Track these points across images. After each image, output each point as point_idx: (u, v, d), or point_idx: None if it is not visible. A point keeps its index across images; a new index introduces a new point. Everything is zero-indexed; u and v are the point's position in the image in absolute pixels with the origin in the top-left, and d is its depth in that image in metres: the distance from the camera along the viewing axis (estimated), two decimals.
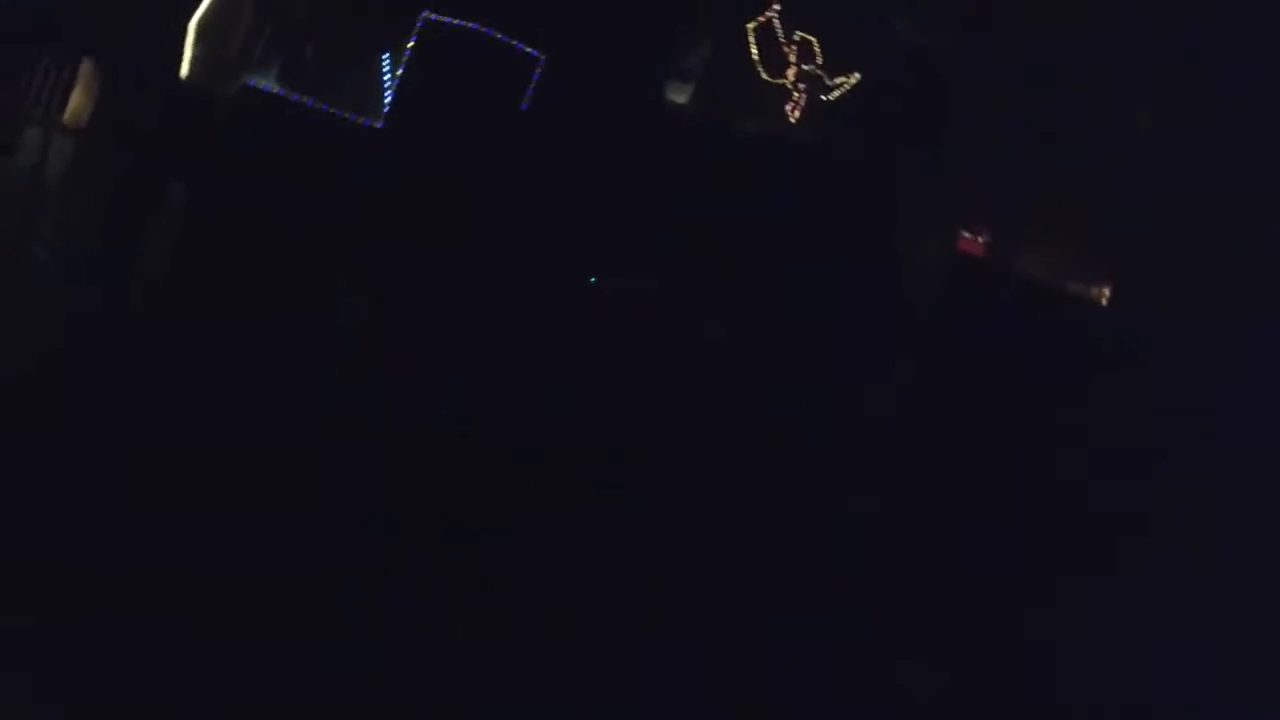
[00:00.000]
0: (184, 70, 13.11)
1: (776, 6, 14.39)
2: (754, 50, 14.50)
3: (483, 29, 13.86)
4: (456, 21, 13.82)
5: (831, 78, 14.52)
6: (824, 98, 14.58)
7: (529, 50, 13.91)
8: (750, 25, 14.48)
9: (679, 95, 14.52)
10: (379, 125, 13.87)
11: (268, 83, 13.68)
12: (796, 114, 14.56)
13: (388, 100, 13.97)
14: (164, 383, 9.14)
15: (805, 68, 14.49)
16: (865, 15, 14.53)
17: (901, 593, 10.12)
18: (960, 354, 13.90)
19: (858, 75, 14.53)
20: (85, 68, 13.48)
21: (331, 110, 13.69)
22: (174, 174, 13.01)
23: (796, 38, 14.48)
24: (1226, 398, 12.57)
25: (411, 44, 13.85)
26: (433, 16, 13.85)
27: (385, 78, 14.15)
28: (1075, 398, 13.00)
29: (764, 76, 14.55)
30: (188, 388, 9.14)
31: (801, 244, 14.53)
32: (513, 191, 13.82)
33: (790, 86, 14.53)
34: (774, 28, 14.50)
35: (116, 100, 12.90)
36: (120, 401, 8.09)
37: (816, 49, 14.48)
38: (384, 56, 14.15)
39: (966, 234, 14.38)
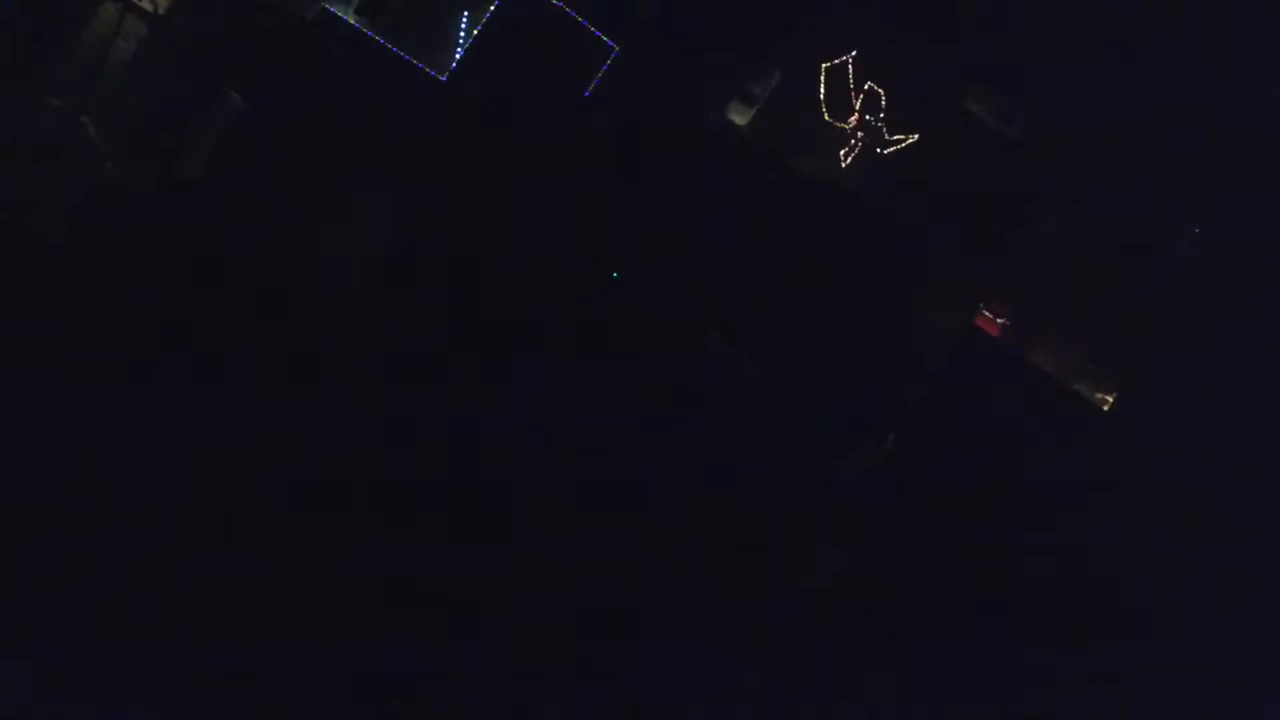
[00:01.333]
0: None
1: (854, 52, 14.54)
2: (822, 90, 14.64)
3: (566, 8, 13.98)
4: None
5: (891, 133, 14.67)
6: (879, 150, 14.73)
7: (605, 39, 14.03)
8: (825, 65, 14.62)
9: (739, 116, 14.63)
10: (443, 79, 13.99)
11: (345, 12, 13.76)
12: (849, 160, 14.70)
13: (457, 57, 14.08)
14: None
15: (868, 117, 14.64)
16: (937, 81, 14.69)
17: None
18: (953, 427, 14.05)
19: (916, 136, 14.68)
20: None
21: (400, 54, 13.79)
22: (234, 82, 13.05)
23: (866, 87, 14.63)
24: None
25: (493, 8, 14.00)
26: None
27: (460, 35, 14.25)
28: (1058, 494, 13.17)
29: (826, 118, 14.69)
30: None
31: (823, 286, 14.64)
32: (554, 176, 13.91)
33: (849, 132, 14.68)
34: (847, 72, 14.64)
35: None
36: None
37: (883, 102, 14.63)
38: (464, 14, 14.26)
39: (986, 312, 14.53)
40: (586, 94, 14.14)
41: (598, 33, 14.03)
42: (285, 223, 11.94)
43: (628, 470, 10.22)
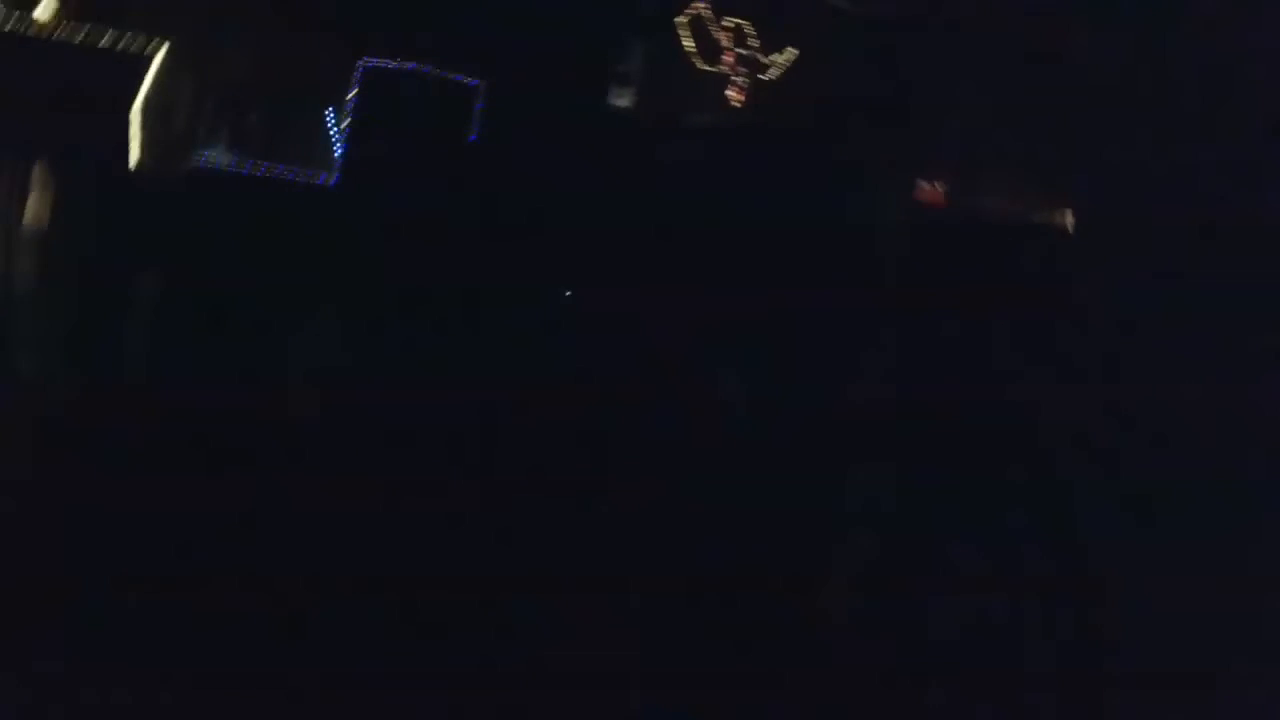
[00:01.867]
0: (134, 159, 13.23)
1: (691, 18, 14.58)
2: (687, 42, 14.68)
3: (420, 67, 14.04)
4: (394, 64, 14.01)
5: (767, 56, 14.72)
6: (762, 77, 14.77)
7: (468, 80, 14.09)
8: (679, 19, 14.66)
9: (621, 100, 14.68)
10: (332, 181, 14.03)
11: (219, 156, 13.81)
12: (739, 97, 14.74)
13: (338, 154, 14.12)
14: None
15: (740, 51, 14.68)
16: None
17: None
18: (933, 298, 14.11)
19: (795, 51, 14.72)
20: (35, 170, 13.59)
21: (286, 173, 13.85)
22: (140, 265, 13.12)
23: (728, 23, 14.66)
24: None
25: (352, 95, 14.05)
26: (371, 63, 14.02)
27: (333, 132, 14.29)
28: (1050, 329, 13.27)
29: (701, 66, 14.72)
30: None
31: (763, 221, 14.66)
32: (474, 222, 13.96)
33: (728, 72, 14.72)
34: (703, 17, 14.69)
35: (72, 200, 12.99)
36: None
37: (749, 31, 14.67)
38: (328, 111, 14.30)
39: (925, 184, 14.57)
40: (473, 139, 14.22)
41: (457, 77, 14.11)
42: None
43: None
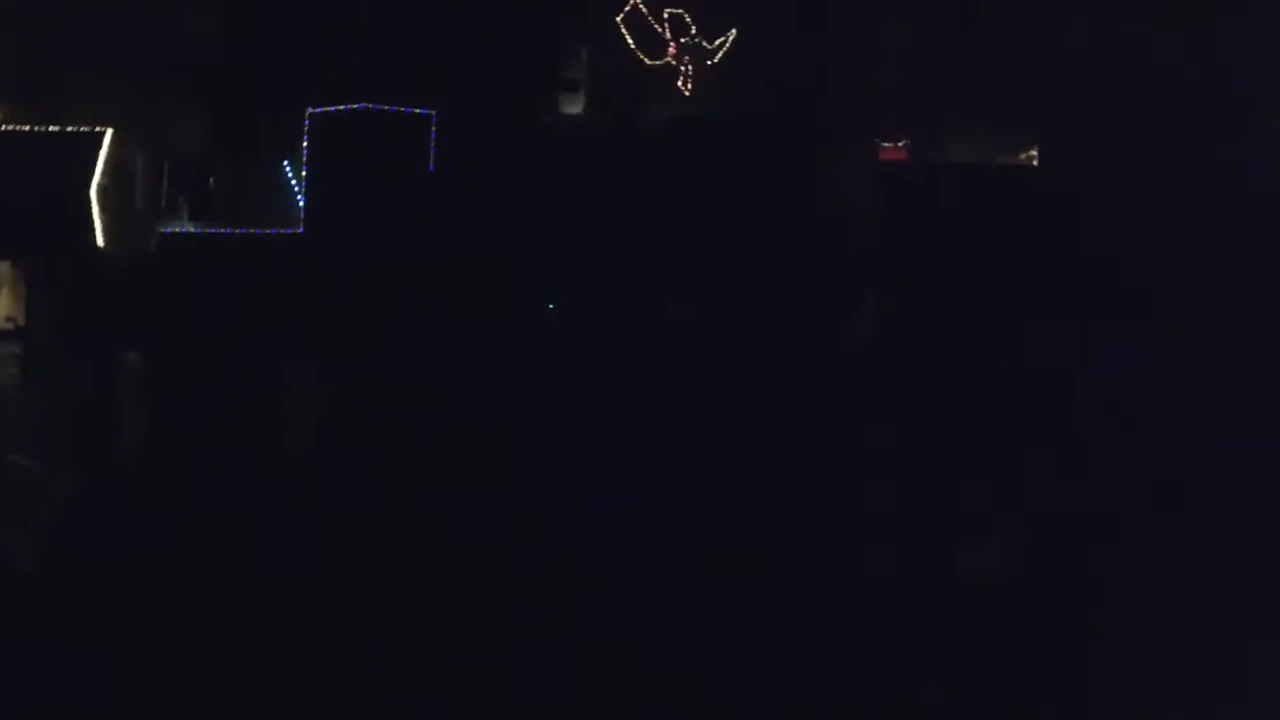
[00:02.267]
0: (99, 240, 13.25)
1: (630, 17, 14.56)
2: (629, 40, 14.67)
3: (369, 106, 14.03)
4: (342, 107, 14.01)
5: (710, 41, 14.70)
6: (709, 62, 14.75)
7: (420, 111, 14.09)
8: (619, 18, 14.65)
9: (572, 106, 14.67)
10: (301, 230, 14.03)
11: (182, 224, 13.83)
12: (688, 86, 14.73)
13: (302, 204, 14.12)
14: None
15: (683, 40, 14.67)
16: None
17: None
18: (916, 249, 14.10)
19: (734, 31, 14.69)
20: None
21: (250, 231, 13.86)
22: (124, 344, 13.15)
23: (666, 16, 14.65)
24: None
25: (306, 143, 14.05)
26: (318, 110, 14.03)
27: (293, 183, 14.30)
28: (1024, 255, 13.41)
29: (647, 63, 14.72)
30: None
31: (738, 198, 14.61)
32: (451, 251, 13.98)
33: (675, 62, 14.71)
34: (641, 12, 14.67)
35: (49, 290, 13.03)
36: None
37: (688, 19, 14.65)
38: (284, 165, 14.31)
39: (886, 144, 14.56)
40: (431, 169, 14.21)
41: (408, 110, 14.10)
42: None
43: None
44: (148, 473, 11.00)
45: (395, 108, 14.05)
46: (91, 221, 13.17)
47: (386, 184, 14.05)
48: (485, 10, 14.49)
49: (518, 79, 14.53)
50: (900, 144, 14.56)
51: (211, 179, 13.60)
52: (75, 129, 13.11)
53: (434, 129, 14.23)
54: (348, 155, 14.05)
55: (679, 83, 14.94)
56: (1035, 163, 14.39)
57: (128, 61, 13.35)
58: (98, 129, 13.15)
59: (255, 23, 13.98)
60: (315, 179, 13.96)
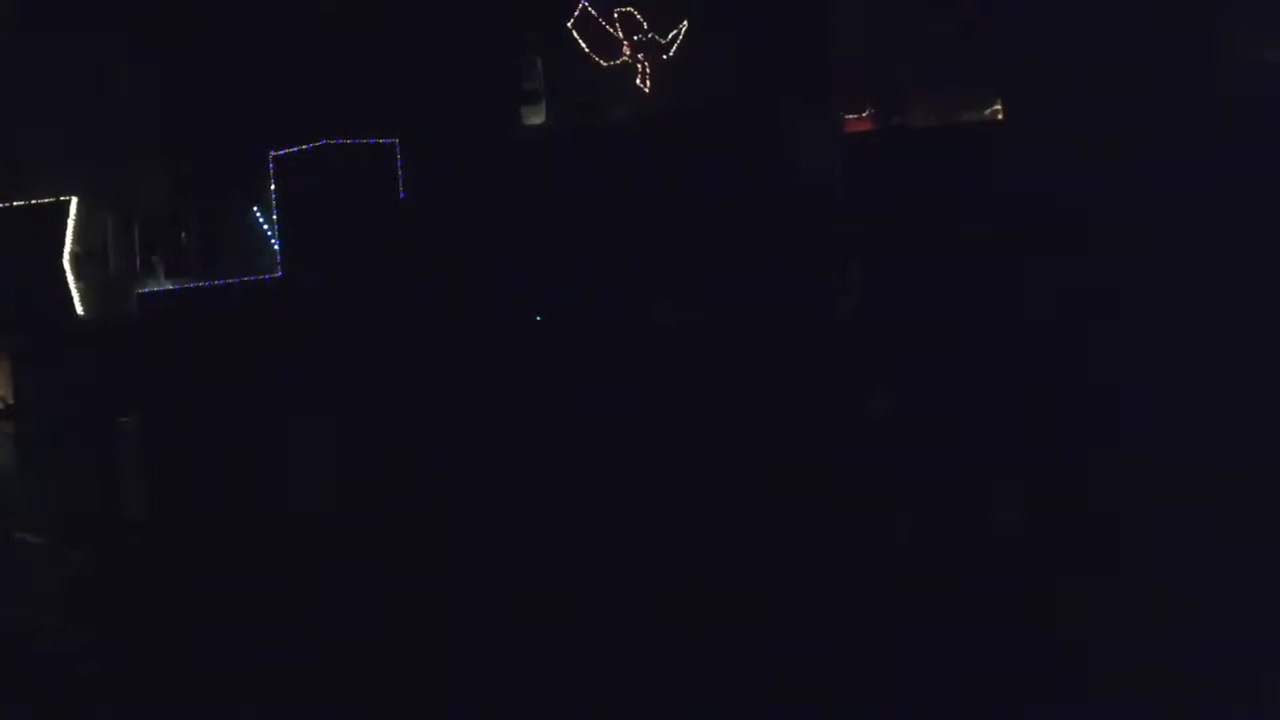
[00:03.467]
0: (78, 309, 13.21)
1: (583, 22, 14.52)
2: (583, 44, 14.63)
3: (331, 142, 13.98)
4: (305, 146, 13.96)
5: (664, 36, 14.67)
6: (665, 56, 14.72)
7: (383, 140, 14.04)
8: (569, 24, 14.62)
9: (535, 116, 14.63)
10: (279, 274, 13.98)
11: (159, 283, 13.78)
12: (647, 83, 14.70)
13: (277, 247, 14.08)
14: None
15: (636, 38, 14.64)
16: None
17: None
18: (892, 217, 14.07)
19: (685, 23, 14.66)
20: None
21: (229, 281, 13.81)
22: (117, 411, 13.09)
23: (616, 15, 14.62)
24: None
25: (273, 186, 13.99)
26: (280, 152, 13.97)
27: (265, 229, 14.25)
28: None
29: (604, 64, 14.68)
30: None
31: (713, 187, 14.57)
32: (433, 273, 13.93)
33: (630, 61, 14.68)
34: (591, 15, 14.63)
35: (35, 366, 12.98)
36: None
37: (638, 16, 14.62)
38: (254, 211, 14.26)
39: (849, 116, 14.53)
40: (402, 195, 14.17)
41: (371, 140, 14.05)
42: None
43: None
44: (154, 541, 10.99)
45: (358, 140, 14.00)
46: (69, 291, 13.14)
47: (359, 217, 14.02)
48: (436, 32, 14.46)
49: (476, 96, 14.51)
50: (864, 114, 14.55)
51: (183, 234, 13.57)
52: (40, 201, 13.10)
53: (399, 157, 14.21)
54: (316, 193, 14.00)
55: (637, 80, 14.91)
56: (999, 117, 14.39)
57: (84, 127, 13.32)
58: (62, 198, 13.13)
59: (207, 73, 13.96)
60: (287, 221, 13.92)
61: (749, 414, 12.54)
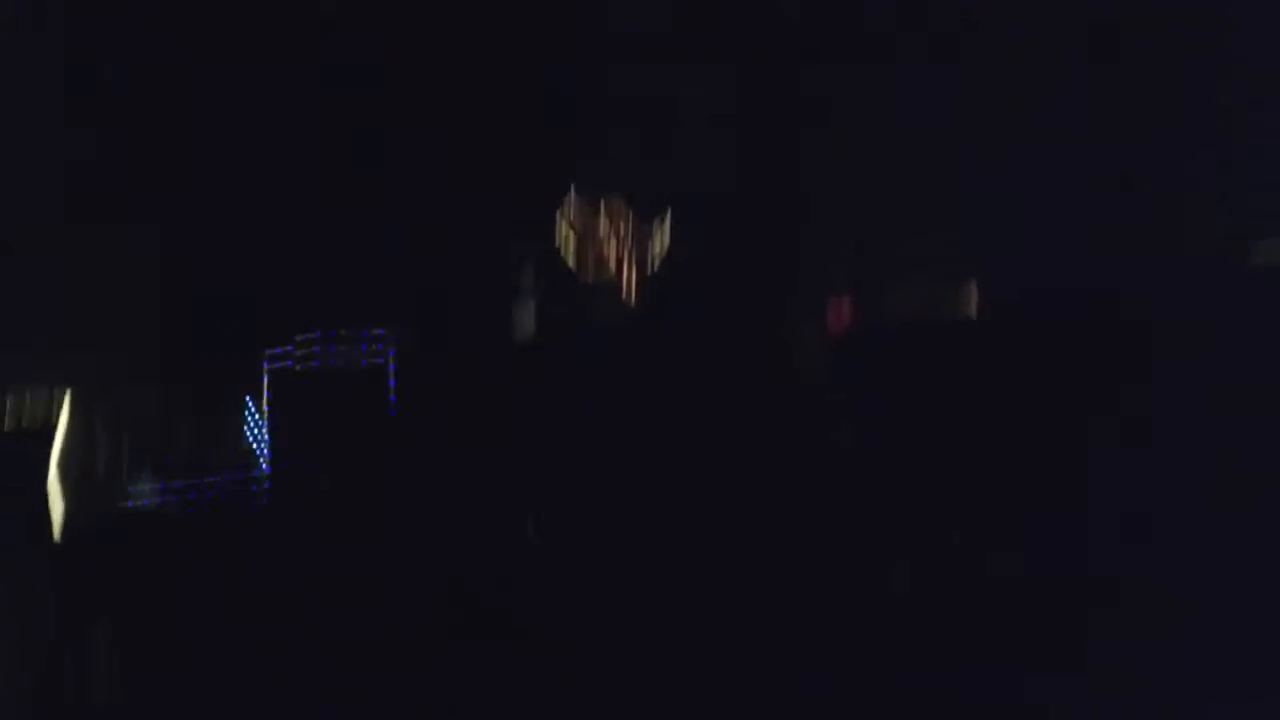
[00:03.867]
0: (58, 527, 12.90)
1: (572, 186, 14.97)
2: (571, 241, 15.04)
3: (326, 333, 14.09)
4: (299, 339, 14.04)
5: (647, 249, 15.14)
6: (649, 270, 15.17)
7: (375, 331, 14.18)
8: (558, 214, 15.04)
9: (525, 316, 14.89)
10: (268, 470, 13.84)
11: (147, 484, 13.53)
12: (633, 295, 15.07)
13: (266, 447, 13.97)
14: None
15: (622, 245, 15.11)
16: (646, 176, 15.26)
17: None
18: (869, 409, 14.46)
19: (670, 209, 15.12)
20: None
21: (214, 481, 13.61)
22: (92, 615, 12.70)
23: (603, 209, 15.08)
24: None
25: (265, 382, 13.98)
26: (275, 350, 14.02)
27: (255, 428, 14.16)
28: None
29: (591, 260, 15.09)
30: None
31: (706, 384, 14.85)
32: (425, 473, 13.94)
33: (615, 269, 15.07)
34: (577, 208, 15.07)
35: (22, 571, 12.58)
36: None
37: (624, 209, 15.08)
38: (247, 403, 14.20)
39: (829, 314, 14.97)
40: (392, 383, 14.25)
41: (364, 331, 14.20)
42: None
43: None
44: None
45: (351, 335, 14.14)
46: (56, 497, 12.83)
47: (350, 410, 14.04)
48: (428, 234, 14.80)
49: (468, 299, 14.76)
50: (848, 310, 14.98)
51: (172, 437, 13.42)
52: (30, 410, 12.88)
53: (391, 348, 14.34)
54: (308, 389, 14.04)
55: (622, 294, 15.24)
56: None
57: (74, 333, 13.28)
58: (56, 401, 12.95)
59: (196, 275, 14.08)
60: (278, 416, 13.88)
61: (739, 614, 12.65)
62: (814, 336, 14.77)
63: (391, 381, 13.96)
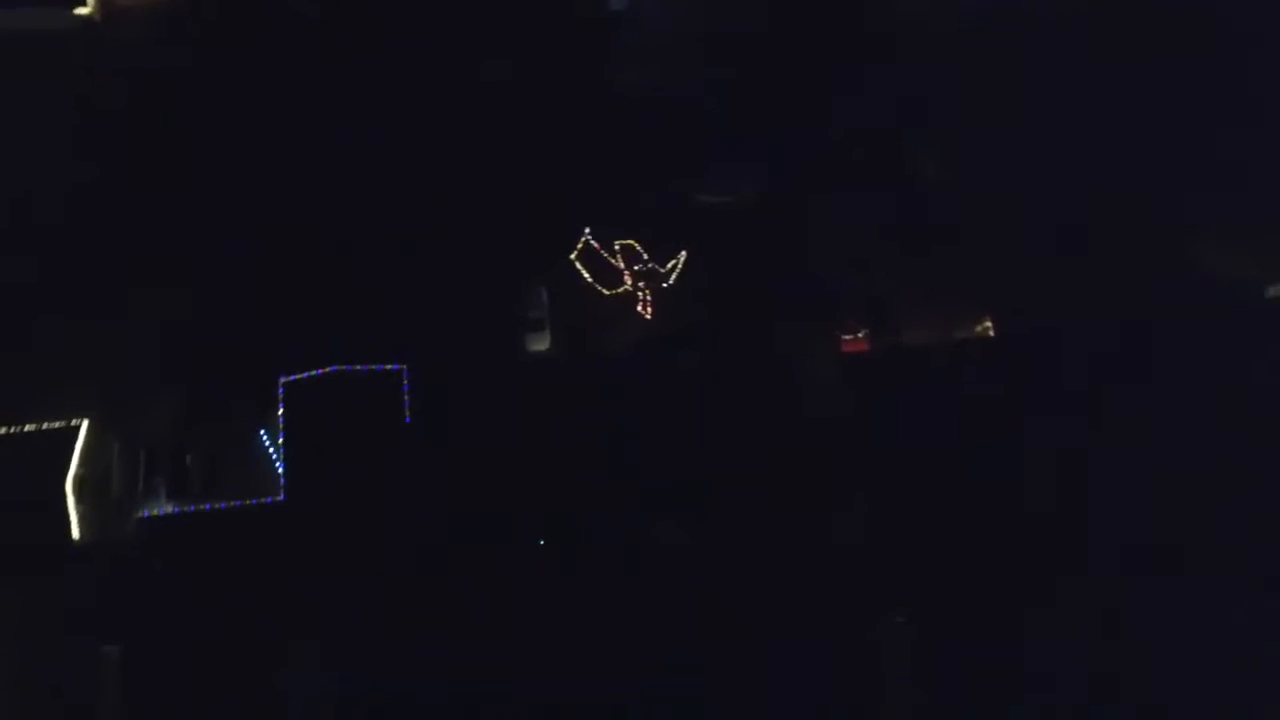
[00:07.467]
0: (75, 532, 12.93)
1: (586, 230, 15.37)
2: (585, 274, 15.31)
3: (341, 368, 14.27)
4: (315, 372, 14.23)
5: (664, 265, 15.39)
6: (664, 285, 15.38)
7: (390, 366, 14.34)
8: (573, 256, 15.36)
9: (539, 344, 15.05)
10: (280, 498, 13.82)
11: (160, 506, 13.58)
12: (648, 310, 15.26)
13: (281, 471, 14.00)
14: None
15: (636, 267, 15.36)
16: (670, 201, 15.66)
17: None
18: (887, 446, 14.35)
19: (684, 254, 15.44)
20: None
21: (230, 505, 13.62)
22: (100, 635, 12.55)
23: (617, 247, 15.40)
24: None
25: (281, 410, 14.12)
26: (291, 378, 14.22)
27: (270, 452, 14.24)
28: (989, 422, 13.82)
29: (606, 293, 15.32)
30: None
31: (712, 412, 14.79)
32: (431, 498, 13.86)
33: (631, 290, 15.30)
34: (594, 248, 15.41)
35: (19, 591, 12.52)
36: None
37: (639, 248, 15.40)
38: (261, 435, 14.31)
39: (846, 336, 14.96)
40: (408, 420, 14.30)
41: (379, 367, 14.35)
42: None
43: None
44: None
45: (366, 367, 14.32)
46: (66, 515, 12.91)
47: (364, 441, 14.08)
48: (446, 262, 15.17)
49: (483, 325, 14.99)
50: (860, 335, 15.00)
51: (189, 457, 13.54)
52: (50, 425, 13.13)
53: (406, 383, 14.48)
54: (324, 418, 14.15)
55: (639, 307, 15.48)
56: (990, 333, 14.86)
57: (100, 352, 13.62)
58: (73, 422, 13.19)
59: (220, 301, 14.47)
60: (293, 445, 13.97)
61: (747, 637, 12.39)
62: (825, 358, 14.72)
63: (406, 403, 14.07)
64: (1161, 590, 12.68)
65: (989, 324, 14.89)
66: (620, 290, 15.37)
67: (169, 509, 13.32)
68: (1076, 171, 15.71)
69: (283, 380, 14.02)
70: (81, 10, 16.84)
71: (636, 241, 15.48)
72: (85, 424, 13.32)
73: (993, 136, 15.80)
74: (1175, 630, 12.53)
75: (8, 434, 13.18)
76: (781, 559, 13.47)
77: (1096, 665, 12.50)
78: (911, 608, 13.00)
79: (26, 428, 13.05)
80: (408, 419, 14.27)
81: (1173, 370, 14.05)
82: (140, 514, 13.24)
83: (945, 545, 13.43)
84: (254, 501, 13.60)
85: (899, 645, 12.74)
